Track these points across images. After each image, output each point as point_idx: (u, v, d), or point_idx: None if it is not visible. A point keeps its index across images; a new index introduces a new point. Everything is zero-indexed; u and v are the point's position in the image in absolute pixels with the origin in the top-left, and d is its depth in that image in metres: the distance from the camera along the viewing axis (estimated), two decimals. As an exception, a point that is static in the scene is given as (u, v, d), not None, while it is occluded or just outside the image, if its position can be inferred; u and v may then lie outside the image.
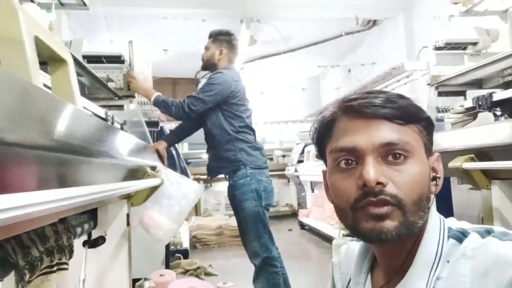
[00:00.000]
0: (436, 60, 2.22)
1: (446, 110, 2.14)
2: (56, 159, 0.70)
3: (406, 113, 0.62)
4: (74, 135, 0.76)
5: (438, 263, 0.61)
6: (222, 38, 2.39)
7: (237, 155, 2.19)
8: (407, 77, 3.48)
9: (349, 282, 0.76)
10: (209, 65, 2.40)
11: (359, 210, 0.61)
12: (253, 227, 2.16)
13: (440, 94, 2.18)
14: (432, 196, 0.64)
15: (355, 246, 0.77)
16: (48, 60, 1.01)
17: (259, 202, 2.16)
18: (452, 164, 1.49)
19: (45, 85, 1.04)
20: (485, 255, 0.56)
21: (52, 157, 0.67)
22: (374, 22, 5.42)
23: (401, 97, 0.65)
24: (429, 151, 0.65)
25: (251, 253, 2.22)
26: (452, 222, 0.66)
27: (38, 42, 0.84)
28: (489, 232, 0.60)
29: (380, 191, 0.59)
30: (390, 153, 0.61)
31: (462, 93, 2.18)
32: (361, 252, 0.74)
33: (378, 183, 0.59)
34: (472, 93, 2.02)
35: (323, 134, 0.68)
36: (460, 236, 0.61)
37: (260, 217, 2.16)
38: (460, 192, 2.38)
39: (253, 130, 2.31)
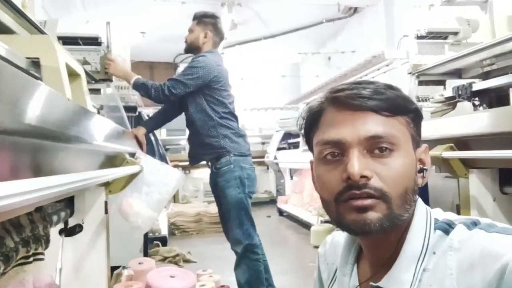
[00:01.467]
0: (417, 49, 2.23)
1: (426, 99, 2.17)
2: (30, 145, 0.66)
3: (394, 104, 0.61)
4: (49, 119, 0.72)
5: (424, 255, 0.61)
6: (208, 21, 2.32)
7: (221, 142, 2.16)
8: (387, 65, 3.51)
9: (335, 272, 0.76)
10: (193, 48, 2.33)
11: (342, 202, 0.61)
12: (235, 215, 2.14)
13: (421, 83, 2.19)
14: (417, 188, 0.64)
15: (341, 236, 0.77)
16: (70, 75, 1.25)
17: (242, 190, 2.14)
18: (432, 153, 1.51)
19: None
20: (471, 248, 0.56)
21: (26, 143, 0.63)
22: (355, 10, 5.42)
23: (390, 87, 0.64)
24: (416, 143, 0.65)
25: (233, 241, 2.21)
26: (438, 213, 0.66)
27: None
28: (475, 224, 0.60)
29: (364, 185, 0.59)
30: (376, 146, 0.60)
31: (442, 83, 2.20)
32: (347, 243, 0.74)
33: (363, 176, 0.58)
34: (452, 83, 2.05)
35: (310, 125, 0.68)
36: (447, 228, 0.61)
37: (243, 204, 2.14)
38: (435, 179, 2.43)
39: (236, 117, 2.27)
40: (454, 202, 2.00)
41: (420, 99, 2.21)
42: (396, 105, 0.62)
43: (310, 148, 0.69)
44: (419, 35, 2.20)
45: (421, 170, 0.65)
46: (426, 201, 0.67)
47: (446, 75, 2.18)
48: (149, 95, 2.17)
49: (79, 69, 1.40)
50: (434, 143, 1.57)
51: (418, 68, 2.17)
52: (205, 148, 2.20)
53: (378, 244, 0.65)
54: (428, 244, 0.61)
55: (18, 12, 1.22)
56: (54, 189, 0.66)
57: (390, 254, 0.64)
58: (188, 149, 2.37)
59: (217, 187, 2.21)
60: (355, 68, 3.87)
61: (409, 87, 2.23)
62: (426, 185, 2.52)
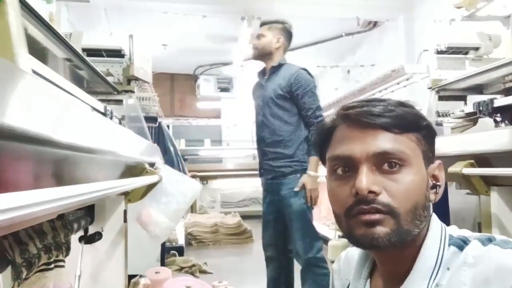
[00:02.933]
0: (437, 64, 2.21)
1: (446, 114, 2.14)
2: (54, 156, 0.68)
3: (404, 122, 0.62)
4: (72, 130, 0.74)
5: (438, 270, 0.61)
6: (280, 26, 2.26)
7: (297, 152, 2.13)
8: (407, 79, 3.48)
9: (348, 286, 0.76)
10: (264, 54, 2.24)
11: (352, 217, 0.62)
12: (299, 226, 2.08)
13: (441, 98, 2.17)
14: (430, 204, 0.64)
15: (355, 251, 0.77)
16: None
17: (306, 200, 2.08)
18: (452, 169, 1.49)
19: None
20: (486, 264, 0.56)
21: (50, 153, 0.65)
22: (375, 24, 5.41)
23: (401, 104, 0.65)
24: (428, 159, 0.65)
25: (295, 253, 2.13)
26: (454, 230, 0.66)
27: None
28: (490, 240, 0.60)
29: (372, 200, 0.60)
30: (385, 162, 0.61)
31: (463, 98, 2.17)
32: (360, 258, 0.74)
33: (371, 191, 0.60)
34: (473, 98, 2.02)
35: (323, 141, 0.69)
36: (461, 244, 0.61)
37: (307, 215, 2.09)
38: (456, 196, 2.38)
39: None
40: (476, 219, 1.96)
41: (441, 114, 2.19)
42: (406, 123, 0.63)
43: (324, 163, 0.71)
44: (439, 50, 2.19)
45: (434, 186, 0.65)
46: (447, 217, 0.67)
47: (467, 90, 2.15)
48: None
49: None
50: (454, 159, 1.55)
51: (438, 83, 2.15)
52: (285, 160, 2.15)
53: (392, 258, 0.65)
54: (442, 260, 0.61)
55: (46, 26, 1.27)
56: (75, 198, 0.68)
57: (403, 270, 0.63)
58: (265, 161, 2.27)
59: (279, 195, 2.13)
60: (374, 81, 3.85)
61: (429, 102, 2.21)
62: (447, 201, 2.49)
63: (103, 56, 2.17)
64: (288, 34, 2.30)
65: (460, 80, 2.01)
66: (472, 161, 1.48)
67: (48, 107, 0.59)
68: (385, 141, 0.61)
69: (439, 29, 3.31)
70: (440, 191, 0.65)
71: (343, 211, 0.63)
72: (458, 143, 1.61)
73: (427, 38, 3.85)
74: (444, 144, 1.65)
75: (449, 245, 0.62)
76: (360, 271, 0.73)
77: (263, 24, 2.31)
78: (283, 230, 2.21)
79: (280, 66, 2.25)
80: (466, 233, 0.65)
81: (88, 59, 1.85)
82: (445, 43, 2.15)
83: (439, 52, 2.19)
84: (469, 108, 1.93)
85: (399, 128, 0.62)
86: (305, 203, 2.09)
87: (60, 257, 1.04)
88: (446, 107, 2.18)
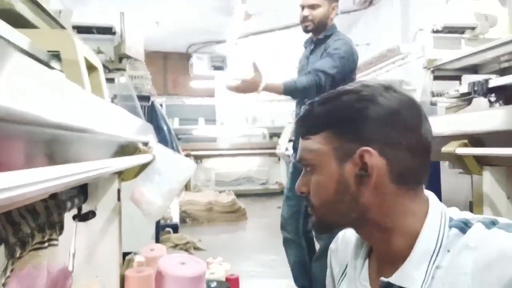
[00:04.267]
0: (433, 44, 2.19)
1: (441, 94, 2.14)
2: (45, 135, 0.67)
3: (306, 127, 0.70)
4: (63, 109, 0.73)
5: (438, 252, 0.61)
6: None
7: None
8: (402, 59, 3.46)
9: (346, 267, 0.76)
10: (320, 27, 2.01)
11: None
12: None
13: (436, 78, 2.16)
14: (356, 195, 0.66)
15: (351, 232, 0.77)
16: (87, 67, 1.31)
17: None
18: (446, 148, 1.49)
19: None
20: (489, 247, 0.56)
21: (41, 133, 0.64)
22: (371, 2, 5.34)
23: (317, 104, 0.69)
24: (344, 154, 0.65)
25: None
26: (455, 212, 0.66)
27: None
28: (494, 223, 0.60)
29: (306, 198, 0.71)
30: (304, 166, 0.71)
31: (458, 78, 2.17)
32: (357, 238, 0.74)
33: (301, 192, 0.71)
34: (468, 78, 2.01)
35: None
36: (463, 226, 0.61)
37: None
38: (449, 176, 2.41)
39: None
40: (467, 199, 1.98)
41: (435, 94, 2.18)
42: (308, 127, 0.69)
43: None
44: (435, 29, 2.17)
45: (361, 176, 0.64)
46: (439, 196, 0.67)
47: (462, 70, 2.14)
48: (304, 97, 1.97)
49: (96, 61, 1.44)
50: (448, 139, 1.56)
51: (433, 63, 2.14)
52: None
53: (377, 242, 0.68)
54: (442, 242, 0.61)
55: (35, 4, 1.24)
56: (68, 178, 0.68)
57: (401, 252, 0.64)
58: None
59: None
60: (369, 61, 3.83)
61: (424, 82, 2.20)
62: (439, 181, 2.51)
63: (93, 34, 2.13)
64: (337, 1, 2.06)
65: (455, 60, 2.00)
66: (466, 141, 1.48)
67: (37, 86, 0.58)
68: (300, 149, 0.71)
69: (435, 8, 3.28)
70: (374, 177, 0.63)
71: None
72: (452, 123, 1.61)
73: (423, 17, 3.81)
74: (438, 124, 1.65)
75: (450, 227, 0.62)
76: (358, 251, 0.73)
77: None
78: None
79: (326, 38, 2.02)
80: (467, 215, 0.64)
81: (78, 36, 1.81)
82: (441, 22, 2.13)
83: (435, 32, 2.17)
84: (464, 88, 1.93)
85: (307, 134, 0.69)
86: None
87: (54, 236, 1.04)
88: (441, 87, 2.17)
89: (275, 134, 7.08)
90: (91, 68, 1.34)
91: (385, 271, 0.66)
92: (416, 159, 0.64)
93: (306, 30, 2.07)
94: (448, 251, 0.60)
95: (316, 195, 0.69)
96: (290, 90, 2.00)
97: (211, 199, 4.82)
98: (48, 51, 1.06)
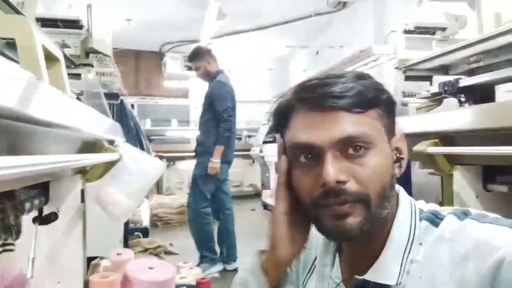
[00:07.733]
0: (404, 44, 2.22)
1: (412, 95, 2.16)
2: (6, 128, 0.62)
3: (364, 99, 0.58)
4: (24, 102, 0.67)
5: (411, 246, 0.59)
6: (201, 53, 3.08)
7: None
8: (374, 61, 3.49)
9: (314, 260, 0.73)
10: (207, 78, 3.10)
11: (320, 208, 0.58)
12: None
13: (407, 78, 2.18)
14: (395, 180, 0.62)
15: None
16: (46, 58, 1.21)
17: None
18: (417, 148, 1.50)
19: None
20: (464, 239, 0.54)
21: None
22: (344, 4, 5.38)
23: (360, 77, 0.60)
24: (391, 132, 0.62)
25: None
26: (422, 205, 0.65)
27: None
28: (466, 214, 0.58)
29: (341, 190, 0.56)
30: (350, 147, 0.57)
31: (429, 78, 2.19)
32: None
33: (339, 181, 0.56)
34: (439, 79, 2.04)
35: (280, 123, 0.64)
36: (433, 218, 0.60)
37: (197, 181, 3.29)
38: (419, 176, 2.43)
39: None
40: (437, 199, 2.01)
41: (406, 94, 2.21)
42: (367, 100, 0.58)
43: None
44: (407, 29, 2.19)
45: (398, 160, 0.63)
46: (410, 196, 0.66)
47: (433, 71, 2.17)
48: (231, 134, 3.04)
49: (58, 53, 1.33)
50: (419, 138, 1.56)
51: (405, 63, 2.16)
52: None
53: (359, 242, 0.63)
54: (414, 235, 0.59)
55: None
56: (24, 168, 0.62)
57: (374, 247, 0.61)
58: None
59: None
60: (342, 62, 3.85)
61: (395, 82, 2.22)
62: (410, 181, 2.53)
63: (59, 27, 2.03)
64: (210, 54, 3.12)
65: (426, 60, 2.02)
66: (437, 140, 1.49)
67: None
68: (348, 125, 0.57)
69: (408, 10, 3.33)
70: (404, 163, 0.63)
71: (309, 201, 0.60)
72: (423, 122, 1.62)
73: (396, 19, 3.87)
74: (409, 124, 1.66)
75: (420, 220, 0.61)
76: (328, 246, 0.70)
77: (190, 60, 3.17)
78: None
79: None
80: (435, 207, 0.64)
81: (43, 29, 1.72)
82: (413, 22, 2.15)
83: (407, 32, 2.20)
84: (435, 88, 1.95)
85: (361, 107, 0.58)
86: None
87: (9, 241, 0.97)
88: (411, 87, 2.19)
89: (249, 136, 7.06)
90: (51, 59, 1.24)
91: (358, 267, 0.63)
92: None
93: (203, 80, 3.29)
94: (420, 244, 0.59)
95: (374, 180, 0.57)
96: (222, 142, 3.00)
97: (184, 202, 4.73)
98: (2, 38, 0.98)
